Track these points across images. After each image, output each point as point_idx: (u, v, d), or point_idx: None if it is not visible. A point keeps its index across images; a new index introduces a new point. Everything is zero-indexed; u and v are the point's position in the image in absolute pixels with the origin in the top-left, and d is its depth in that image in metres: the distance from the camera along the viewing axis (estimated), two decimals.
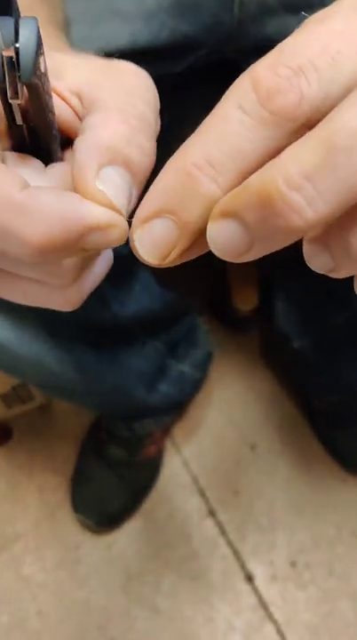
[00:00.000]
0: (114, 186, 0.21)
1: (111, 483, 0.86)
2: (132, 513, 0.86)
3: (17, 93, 0.18)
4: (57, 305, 0.25)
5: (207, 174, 0.18)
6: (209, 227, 0.18)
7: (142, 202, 0.19)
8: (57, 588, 0.81)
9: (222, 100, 0.19)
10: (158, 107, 0.26)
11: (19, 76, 0.18)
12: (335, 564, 0.81)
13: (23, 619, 0.79)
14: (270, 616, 0.77)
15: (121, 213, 0.20)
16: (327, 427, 0.90)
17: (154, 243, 0.19)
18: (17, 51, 0.18)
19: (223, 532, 0.84)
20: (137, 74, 0.25)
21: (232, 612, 0.78)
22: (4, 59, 0.18)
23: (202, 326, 0.86)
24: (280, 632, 0.76)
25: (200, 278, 1.04)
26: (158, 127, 0.26)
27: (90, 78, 0.23)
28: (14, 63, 0.18)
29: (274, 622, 0.77)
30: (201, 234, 0.18)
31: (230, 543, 0.83)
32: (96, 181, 0.20)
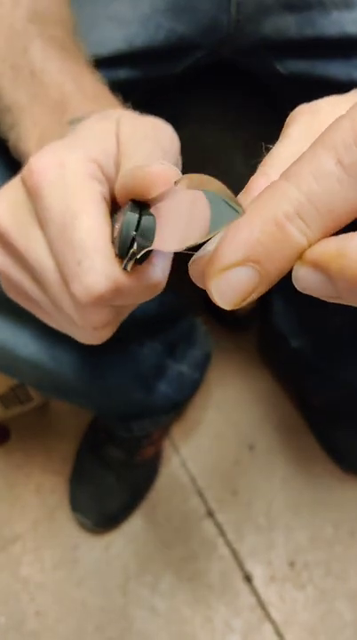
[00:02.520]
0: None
1: (109, 483, 0.86)
2: (131, 513, 0.86)
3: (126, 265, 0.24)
4: (80, 338, 0.29)
5: (297, 227, 0.17)
6: (297, 269, 0.18)
7: (220, 248, 0.18)
8: (55, 589, 0.81)
9: (318, 144, 0.18)
10: (178, 152, 0.29)
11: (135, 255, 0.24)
12: (333, 563, 0.81)
13: (21, 619, 0.79)
14: (268, 616, 0.77)
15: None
16: (325, 426, 0.90)
17: (234, 290, 0.18)
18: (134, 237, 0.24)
19: (221, 532, 0.84)
20: (161, 128, 0.28)
21: (230, 613, 0.78)
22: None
23: (201, 327, 0.86)
24: (278, 632, 0.76)
25: None
26: (178, 159, 0.29)
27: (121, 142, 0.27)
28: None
29: (273, 622, 0.77)
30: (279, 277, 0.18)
31: (228, 543, 0.83)
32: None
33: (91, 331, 0.28)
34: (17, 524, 0.87)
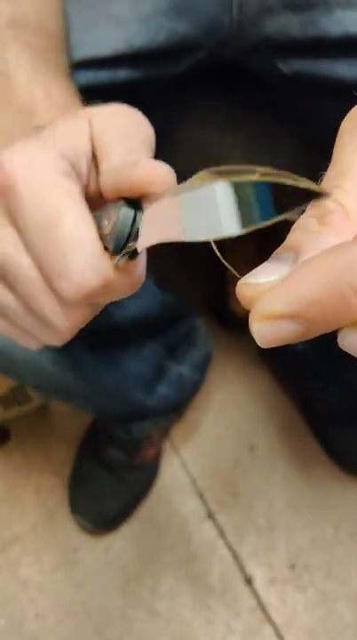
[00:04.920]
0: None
1: (109, 485, 0.86)
2: (130, 515, 0.86)
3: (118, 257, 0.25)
4: (46, 340, 0.29)
5: None
6: (349, 332, 0.17)
7: (275, 292, 0.17)
8: (55, 591, 0.81)
9: None
10: (151, 138, 0.28)
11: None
12: (333, 565, 0.81)
13: (21, 621, 0.79)
14: (269, 618, 0.77)
15: None
16: (326, 428, 0.90)
17: (276, 338, 0.18)
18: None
19: (222, 533, 0.84)
20: (127, 115, 0.28)
21: (230, 615, 0.78)
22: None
23: (201, 328, 0.86)
24: (279, 634, 0.76)
25: (199, 280, 1.04)
26: (153, 147, 0.29)
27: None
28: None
29: (273, 625, 0.77)
30: None
31: (229, 545, 0.83)
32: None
33: (68, 331, 0.27)
34: (16, 526, 0.86)
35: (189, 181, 0.22)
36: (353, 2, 0.42)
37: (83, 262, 0.24)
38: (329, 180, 0.20)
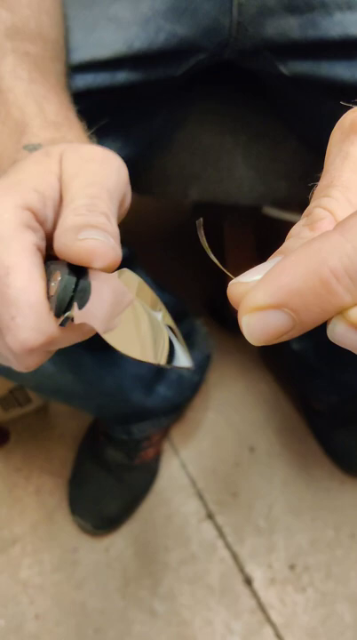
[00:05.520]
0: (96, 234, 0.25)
1: (109, 485, 0.86)
2: (130, 516, 0.86)
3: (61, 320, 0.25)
4: (14, 367, 0.29)
5: (344, 285, 0.16)
6: (337, 323, 0.17)
7: (258, 285, 0.18)
8: (54, 591, 0.81)
9: None
10: (123, 186, 0.29)
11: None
12: (333, 566, 0.81)
13: (20, 622, 0.79)
14: (268, 619, 0.77)
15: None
16: (326, 429, 0.90)
17: (264, 331, 0.18)
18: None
19: (221, 534, 0.84)
20: (102, 161, 0.28)
21: (230, 615, 0.78)
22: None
23: (201, 329, 0.86)
24: (278, 635, 0.76)
25: (199, 280, 1.04)
26: (124, 196, 0.29)
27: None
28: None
29: (273, 625, 0.77)
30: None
31: (228, 546, 0.83)
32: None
33: (24, 370, 0.28)
34: (16, 527, 0.86)
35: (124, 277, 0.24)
36: (353, 4, 0.43)
37: (27, 323, 0.24)
38: (320, 189, 0.20)
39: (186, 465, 0.90)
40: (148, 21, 0.45)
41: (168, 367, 0.22)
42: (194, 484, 0.88)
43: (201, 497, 0.87)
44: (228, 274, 0.22)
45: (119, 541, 0.84)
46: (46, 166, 0.27)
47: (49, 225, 0.27)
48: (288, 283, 0.17)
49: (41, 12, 0.38)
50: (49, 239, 0.27)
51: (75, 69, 0.43)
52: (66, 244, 0.25)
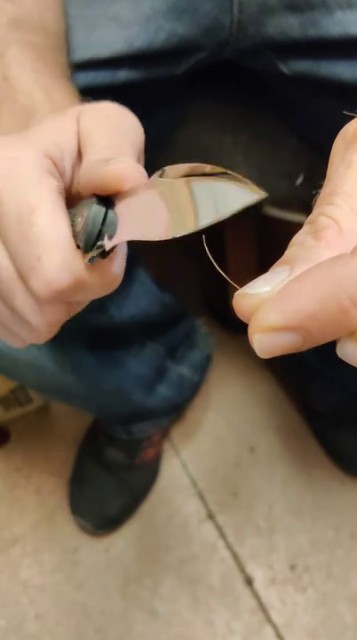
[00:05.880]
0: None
1: (109, 485, 0.86)
2: (130, 516, 0.86)
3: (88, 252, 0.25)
4: (27, 338, 0.29)
5: None
6: (347, 343, 0.17)
7: (272, 304, 0.18)
8: (55, 592, 0.81)
9: None
10: (139, 138, 0.29)
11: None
12: (334, 566, 0.81)
13: (21, 622, 0.79)
14: (269, 619, 0.77)
15: None
16: (326, 429, 0.90)
17: (276, 348, 0.18)
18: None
19: (222, 534, 0.84)
20: (117, 114, 0.28)
21: (231, 616, 0.78)
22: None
23: (202, 328, 0.86)
24: (279, 635, 0.76)
25: (199, 280, 1.04)
26: (140, 153, 0.29)
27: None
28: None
29: (273, 625, 0.77)
30: None
31: (229, 546, 0.83)
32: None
33: (45, 329, 0.28)
34: (16, 527, 0.86)
35: (156, 178, 0.23)
36: (354, 3, 0.42)
37: (54, 260, 0.24)
38: (323, 197, 0.21)
39: (186, 465, 0.90)
40: (149, 20, 0.45)
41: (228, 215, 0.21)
42: (194, 485, 0.88)
43: (201, 497, 0.87)
44: (233, 284, 0.21)
45: (119, 541, 0.84)
46: (63, 123, 0.27)
47: (66, 178, 0.27)
48: (305, 306, 0.17)
49: (44, 6, 0.38)
50: (67, 193, 0.27)
51: (75, 68, 0.43)
52: (95, 171, 0.24)
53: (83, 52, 0.44)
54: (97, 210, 0.24)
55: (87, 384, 0.66)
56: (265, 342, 0.18)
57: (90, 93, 0.44)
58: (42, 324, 0.27)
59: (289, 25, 0.45)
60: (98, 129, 0.27)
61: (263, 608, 0.78)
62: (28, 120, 0.31)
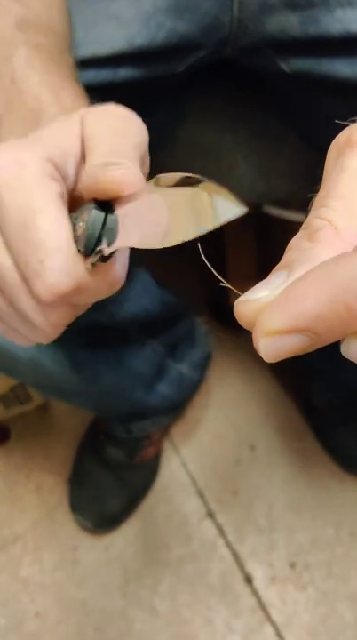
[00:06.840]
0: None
1: (109, 484, 0.86)
2: (130, 514, 0.86)
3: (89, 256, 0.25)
4: (32, 337, 0.29)
5: None
6: (353, 341, 0.17)
7: (275, 307, 0.18)
8: (55, 590, 0.81)
9: None
10: (143, 140, 0.29)
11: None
12: (334, 565, 0.81)
13: (21, 621, 0.79)
14: (269, 618, 0.77)
15: None
16: (326, 427, 0.90)
17: (283, 351, 0.18)
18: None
19: (222, 533, 0.84)
20: (121, 116, 0.28)
21: (231, 614, 0.78)
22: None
23: (202, 327, 0.86)
24: (279, 634, 0.76)
25: (199, 280, 1.04)
26: (144, 155, 0.29)
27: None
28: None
29: (273, 624, 0.77)
30: None
31: (229, 544, 0.83)
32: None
33: (50, 329, 0.28)
34: (17, 525, 0.86)
35: (151, 185, 0.24)
36: (354, 1, 0.42)
37: (56, 264, 0.24)
38: (318, 201, 0.21)
39: (186, 463, 0.90)
40: (149, 18, 0.45)
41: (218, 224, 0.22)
42: (194, 483, 0.88)
43: (201, 495, 0.87)
44: (234, 290, 0.21)
45: (119, 540, 0.84)
46: (67, 126, 0.27)
47: (70, 182, 0.27)
48: (311, 307, 0.17)
49: (51, 7, 0.39)
50: (69, 196, 0.27)
51: (76, 66, 0.43)
52: (95, 176, 0.25)
53: (84, 50, 0.44)
54: (96, 215, 0.25)
55: (87, 382, 0.66)
56: (271, 346, 0.18)
57: (90, 91, 0.44)
58: (46, 325, 0.27)
59: (290, 23, 0.45)
60: (101, 132, 0.27)
61: (263, 607, 0.78)
62: (36, 122, 0.31)
